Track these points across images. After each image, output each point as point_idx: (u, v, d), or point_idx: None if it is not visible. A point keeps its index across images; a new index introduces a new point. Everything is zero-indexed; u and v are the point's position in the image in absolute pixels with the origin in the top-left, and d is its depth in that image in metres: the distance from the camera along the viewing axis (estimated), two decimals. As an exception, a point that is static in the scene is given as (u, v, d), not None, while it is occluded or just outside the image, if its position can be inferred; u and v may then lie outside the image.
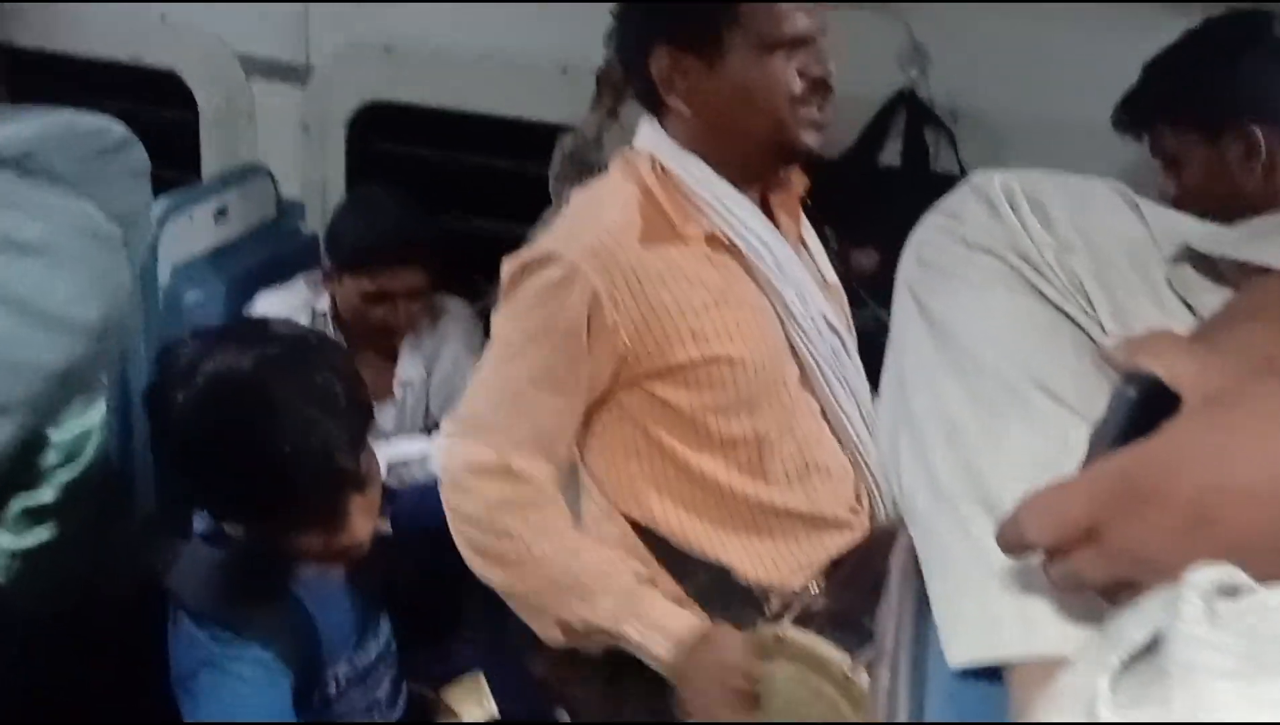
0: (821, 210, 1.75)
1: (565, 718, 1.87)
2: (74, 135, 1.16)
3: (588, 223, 1.53)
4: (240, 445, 1.44)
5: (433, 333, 2.52)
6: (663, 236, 1.52)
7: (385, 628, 1.73)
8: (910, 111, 2.24)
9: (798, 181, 1.63)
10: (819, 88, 1.51)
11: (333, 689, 1.66)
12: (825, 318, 1.61)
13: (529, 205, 2.36)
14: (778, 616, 1.50)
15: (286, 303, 2.44)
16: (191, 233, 2.43)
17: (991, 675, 0.60)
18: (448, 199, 2.65)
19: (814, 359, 1.58)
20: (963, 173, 2.13)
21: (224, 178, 2.57)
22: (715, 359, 1.52)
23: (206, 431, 1.45)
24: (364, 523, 1.52)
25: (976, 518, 0.62)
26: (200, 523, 1.62)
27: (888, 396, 0.72)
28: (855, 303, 1.79)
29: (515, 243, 2.44)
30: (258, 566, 1.58)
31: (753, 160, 1.56)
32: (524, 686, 1.79)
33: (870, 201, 2.25)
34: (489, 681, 1.85)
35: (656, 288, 1.50)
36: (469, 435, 1.56)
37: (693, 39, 1.50)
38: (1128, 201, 0.70)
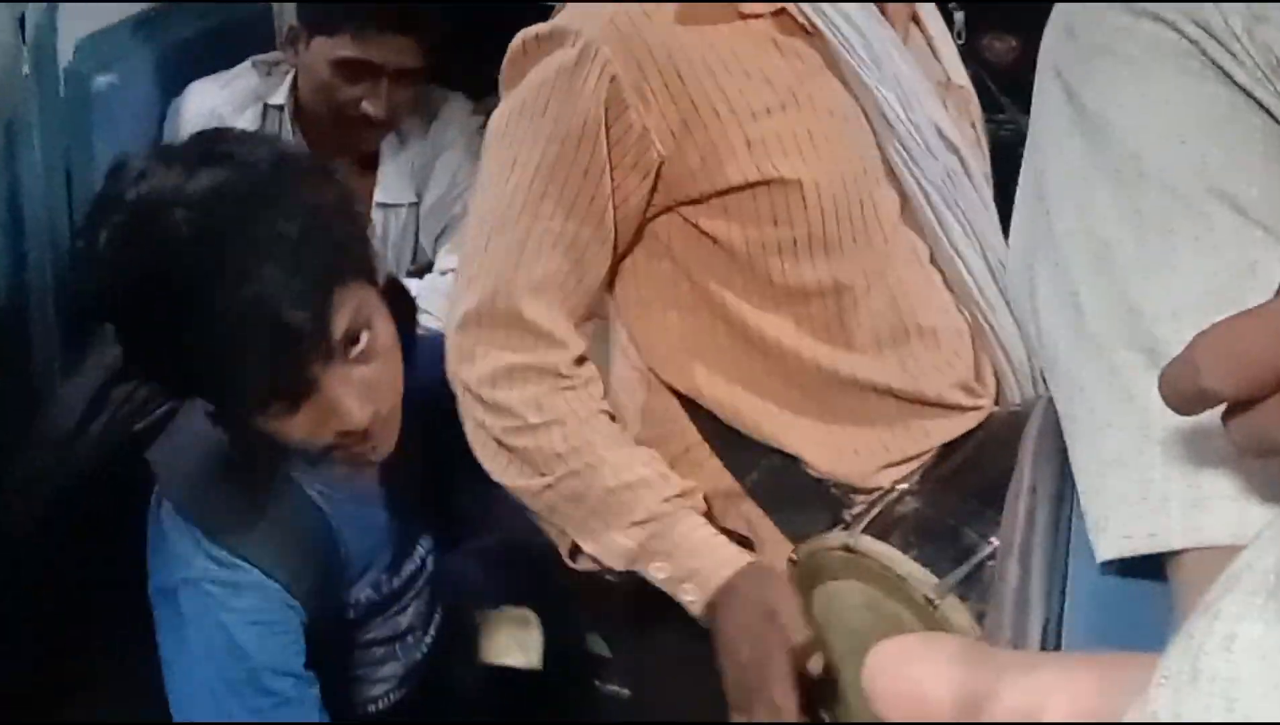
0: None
1: (602, 648, 1.96)
2: None
3: None
4: (163, 298, 1.43)
5: (424, 139, 2.53)
6: (713, 13, 1.50)
7: (425, 544, 1.76)
8: None
9: None
10: None
11: (351, 614, 1.69)
12: (939, 129, 1.58)
13: None
14: (854, 521, 1.52)
15: (228, 93, 2.44)
16: (102, -4, 2.40)
17: (1149, 568, 0.61)
18: None
19: (920, 185, 1.56)
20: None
21: None
22: (779, 181, 1.50)
23: (121, 278, 1.44)
24: (357, 400, 1.50)
25: (1134, 366, 0.63)
26: None
27: (1023, 212, 0.73)
28: (990, 109, 1.75)
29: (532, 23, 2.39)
30: (262, 462, 1.59)
31: None
32: (555, 607, 1.82)
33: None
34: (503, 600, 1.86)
35: (701, 79, 1.48)
36: (470, 279, 1.56)
37: None
38: None
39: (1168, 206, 0.65)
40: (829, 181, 1.51)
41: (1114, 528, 0.63)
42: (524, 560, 1.77)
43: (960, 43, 2.28)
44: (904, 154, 1.55)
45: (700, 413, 1.61)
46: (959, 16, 2.27)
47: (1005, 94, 1.87)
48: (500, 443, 1.55)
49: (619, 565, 1.53)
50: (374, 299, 1.54)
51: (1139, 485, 0.62)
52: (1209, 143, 0.65)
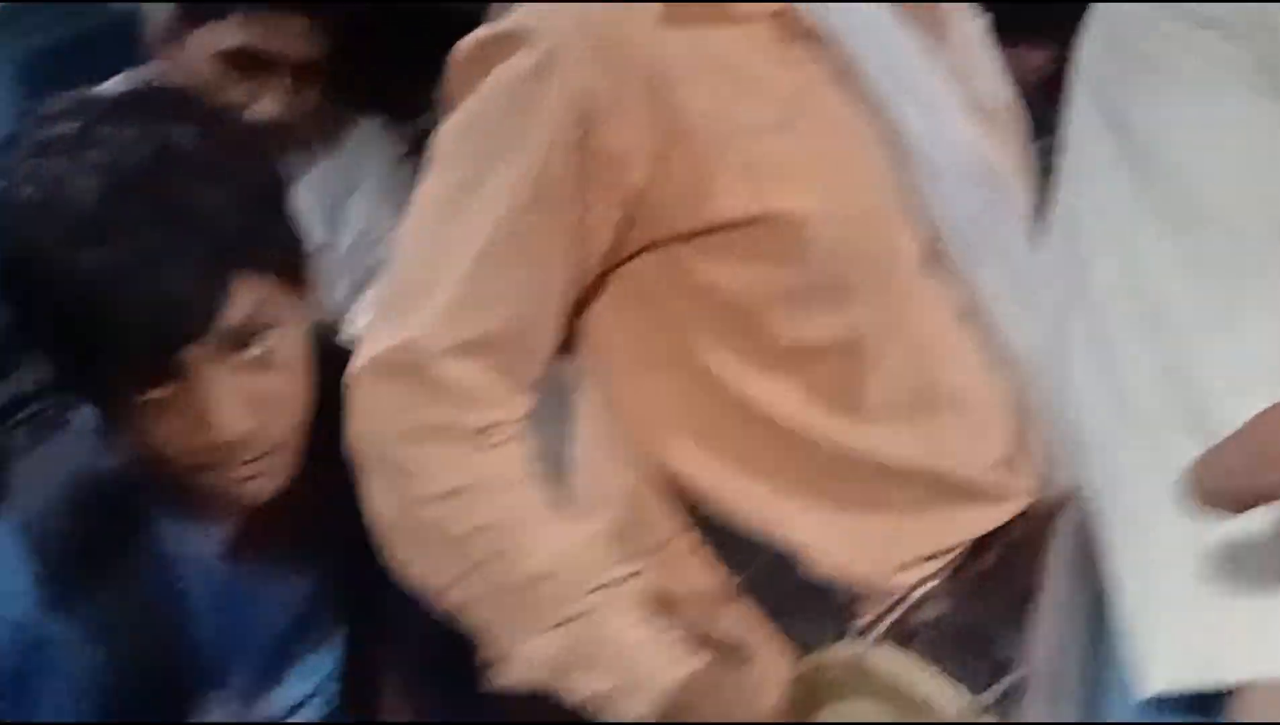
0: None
1: None
2: None
3: None
4: (53, 246, 1.44)
5: (333, 173, 2.48)
6: (701, 12, 1.47)
7: (324, 658, 1.66)
8: None
9: None
10: None
11: None
12: (975, 155, 1.55)
13: None
14: (868, 629, 1.46)
15: None
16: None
17: (1199, 704, 0.60)
18: None
19: (948, 220, 1.52)
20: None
21: None
22: (779, 216, 1.45)
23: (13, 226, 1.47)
24: (233, 408, 1.48)
25: (1186, 453, 0.62)
26: None
27: (1055, 258, 0.74)
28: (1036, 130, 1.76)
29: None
30: (106, 486, 1.57)
31: None
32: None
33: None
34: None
35: (689, 91, 1.44)
36: (387, 322, 1.51)
37: None
38: None
39: (1232, 257, 0.65)
40: (839, 216, 1.47)
41: (1163, 658, 0.63)
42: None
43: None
44: (932, 186, 1.51)
45: (683, 495, 1.55)
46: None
47: (1040, 108, 1.82)
48: (405, 516, 1.48)
49: (543, 678, 1.44)
50: (289, 305, 1.52)
51: (1189, 605, 0.63)
52: None
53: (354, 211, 2.45)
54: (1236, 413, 0.60)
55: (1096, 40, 0.74)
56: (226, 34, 2.28)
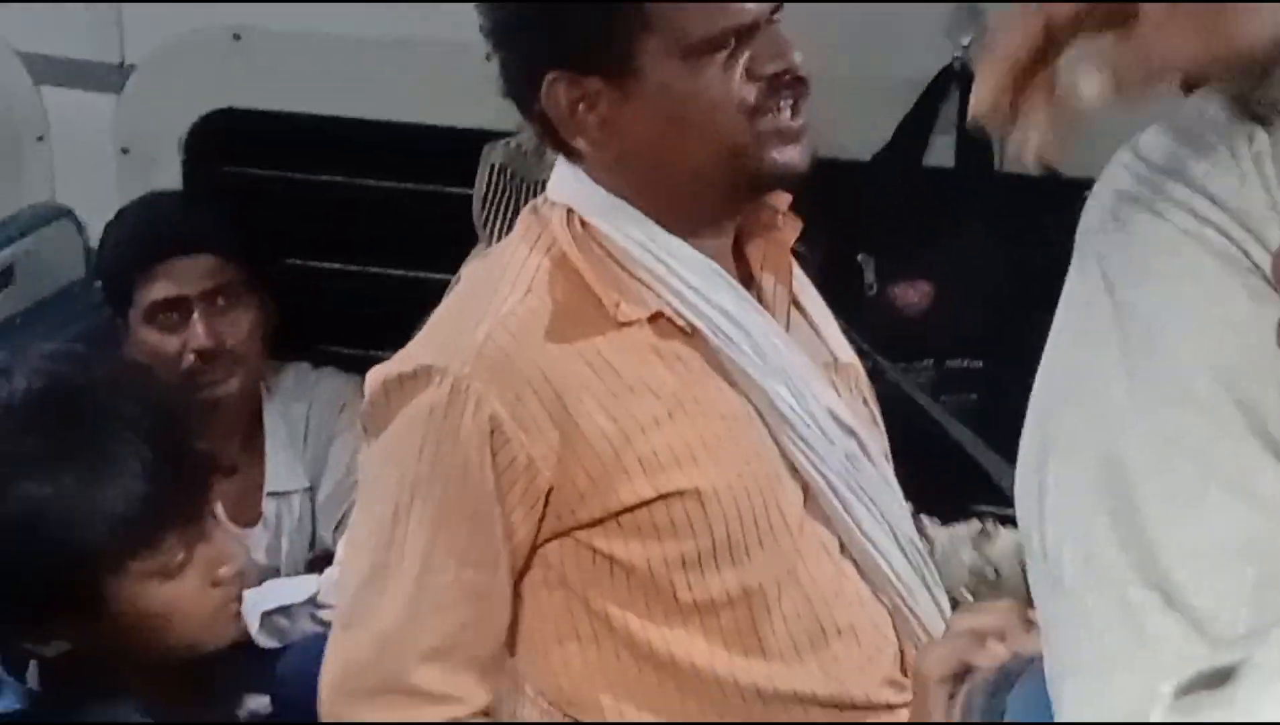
0: (851, 231, 1.83)
1: None
2: None
3: (475, 315, 1.52)
4: None
5: (316, 426, 2.48)
6: (586, 325, 1.51)
7: None
8: (963, 93, 2.24)
9: (787, 226, 1.62)
10: (782, 85, 1.51)
11: None
12: (833, 414, 1.59)
13: (445, 244, 2.28)
14: None
15: None
16: (-36, 303, 2.40)
17: None
18: (328, 239, 2.62)
19: (822, 475, 1.56)
20: (1048, 172, 2.11)
21: (7, 227, 2.51)
22: (676, 494, 1.50)
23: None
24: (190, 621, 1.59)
25: (1149, 607, 0.61)
26: None
27: (1043, 404, 0.71)
28: (909, 356, 1.84)
29: (426, 296, 2.36)
30: None
31: (706, 202, 1.56)
32: None
33: (916, 216, 2.31)
34: None
35: (582, 399, 1.48)
36: (351, 631, 1.55)
37: (593, 58, 1.50)
38: None
39: (1209, 440, 0.63)
40: (729, 486, 1.51)
41: None
42: None
43: (871, 293, 2.28)
44: (802, 445, 1.55)
45: None
46: (865, 260, 2.29)
47: (917, 341, 1.87)
48: None
49: None
50: None
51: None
52: (1270, 378, 0.63)
53: (335, 458, 2.43)
54: (1191, 580, 0.60)
55: (1102, 213, 0.71)
56: (147, 288, 2.31)
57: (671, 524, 1.50)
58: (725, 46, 1.49)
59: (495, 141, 2.24)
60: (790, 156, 1.51)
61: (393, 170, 2.55)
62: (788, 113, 1.51)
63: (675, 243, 1.53)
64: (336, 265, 2.61)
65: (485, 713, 1.52)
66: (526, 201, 2.19)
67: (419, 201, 2.54)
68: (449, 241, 2.28)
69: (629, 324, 1.51)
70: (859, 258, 2.32)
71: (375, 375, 1.54)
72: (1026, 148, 0.65)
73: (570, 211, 1.54)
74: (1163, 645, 0.59)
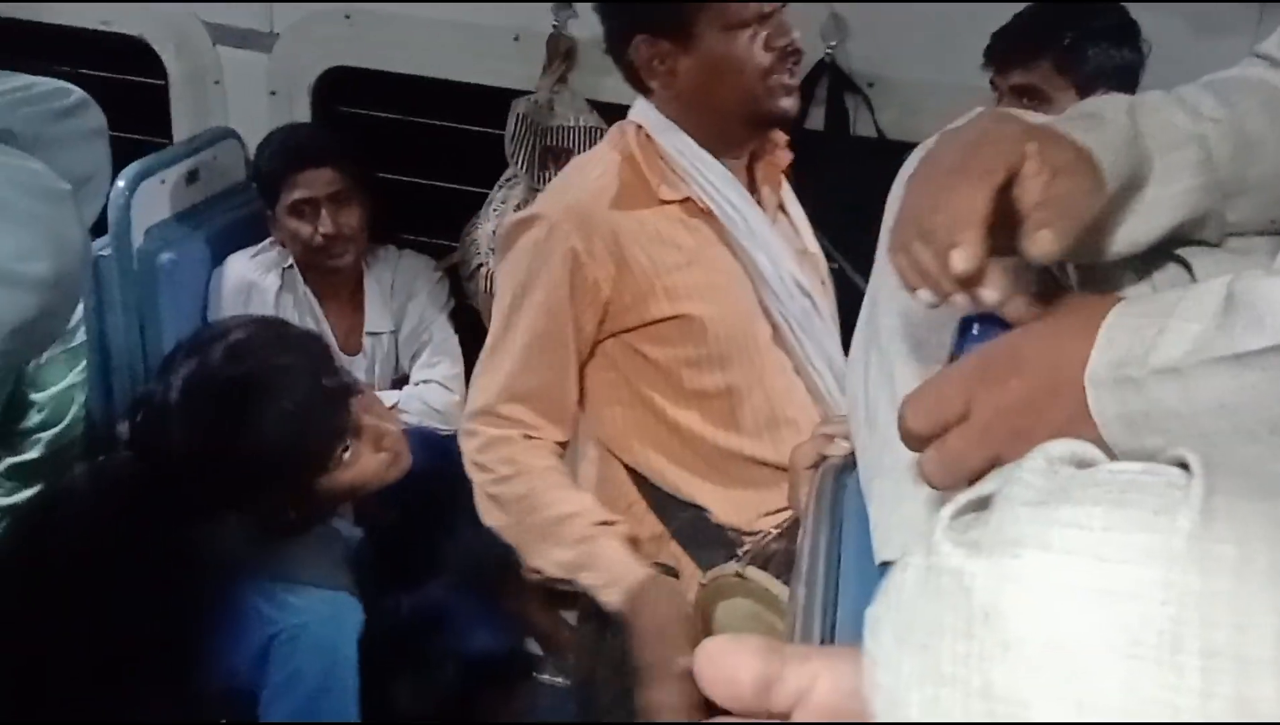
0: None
1: (536, 648, 1.87)
2: (29, 98, 1.12)
3: (571, 185, 1.54)
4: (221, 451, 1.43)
5: (399, 288, 2.38)
6: (640, 200, 1.51)
7: None
8: (832, 79, 2.17)
9: (783, 154, 1.62)
10: (787, 55, 1.51)
11: None
12: (797, 281, 1.58)
13: (486, 167, 2.24)
14: (744, 556, 1.42)
15: (255, 262, 2.31)
16: (163, 195, 2.26)
17: None
18: (409, 160, 2.50)
19: (785, 319, 1.56)
20: (880, 136, 2.12)
21: (194, 142, 2.40)
22: (687, 316, 1.51)
23: (186, 444, 1.44)
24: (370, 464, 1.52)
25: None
26: None
27: (863, 318, 0.72)
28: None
29: (474, 203, 2.28)
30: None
31: (731, 131, 1.55)
32: (496, 618, 1.74)
33: (796, 162, 2.23)
34: (461, 614, 1.74)
35: (631, 246, 1.48)
36: (482, 386, 1.54)
37: (666, 27, 1.50)
38: None
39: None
40: (722, 316, 1.51)
41: (893, 540, 0.62)
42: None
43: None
44: (774, 298, 1.55)
45: (639, 478, 1.57)
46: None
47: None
48: (486, 493, 1.51)
49: (561, 574, 1.46)
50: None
51: (913, 508, 0.63)
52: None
53: (412, 311, 2.33)
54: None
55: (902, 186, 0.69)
56: (287, 193, 2.17)
57: (682, 336, 1.51)
58: (752, 25, 1.48)
59: (519, 96, 2.20)
60: (789, 104, 1.52)
61: (450, 114, 2.45)
62: (789, 74, 1.51)
63: (705, 155, 1.52)
64: (412, 179, 2.49)
65: (558, 444, 1.52)
66: (541, 141, 2.18)
67: (467, 137, 2.44)
68: (486, 166, 2.25)
69: (667, 202, 1.51)
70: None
71: (508, 220, 1.55)
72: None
73: (639, 127, 1.54)
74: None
